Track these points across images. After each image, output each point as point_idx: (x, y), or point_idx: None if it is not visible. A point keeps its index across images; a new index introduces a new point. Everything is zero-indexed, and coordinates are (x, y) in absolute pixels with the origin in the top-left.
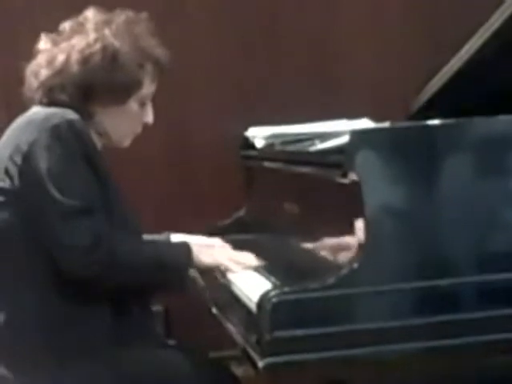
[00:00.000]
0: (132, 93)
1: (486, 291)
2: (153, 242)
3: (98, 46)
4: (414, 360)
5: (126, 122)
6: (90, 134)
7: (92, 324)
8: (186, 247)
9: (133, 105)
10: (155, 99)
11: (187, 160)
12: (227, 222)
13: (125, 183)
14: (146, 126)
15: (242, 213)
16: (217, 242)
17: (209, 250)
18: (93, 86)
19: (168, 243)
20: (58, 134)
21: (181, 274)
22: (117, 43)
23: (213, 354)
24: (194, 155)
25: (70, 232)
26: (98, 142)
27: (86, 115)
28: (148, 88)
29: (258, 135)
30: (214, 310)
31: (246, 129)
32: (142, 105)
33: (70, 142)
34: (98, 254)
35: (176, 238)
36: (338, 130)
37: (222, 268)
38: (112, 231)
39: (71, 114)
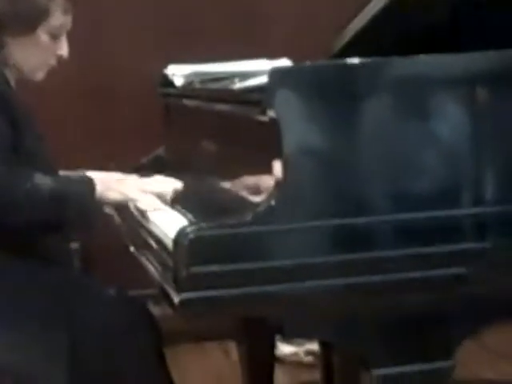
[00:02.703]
0: (38, 22)
1: (402, 230)
2: (53, 178)
3: None
4: (331, 297)
5: (37, 54)
6: (2, 72)
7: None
8: (88, 183)
9: (42, 36)
10: (73, 34)
11: (106, 96)
12: (145, 160)
13: (42, 120)
14: (63, 63)
15: (160, 151)
16: (133, 177)
17: (118, 185)
18: None
19: (69, 178)
20: None
21: (84, 211)
22: None
23: (131, 293)
24: (113, 92)
25: None
26: (11, 78)
27: None
28: (58, 19)
29: (178, 73)
30: (132, 249)
31: (165, 66)
32: (55, 37)
33: None
34: None
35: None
36: (259, 69)
37: (133, 202)
38: (9, 168)
39: None
